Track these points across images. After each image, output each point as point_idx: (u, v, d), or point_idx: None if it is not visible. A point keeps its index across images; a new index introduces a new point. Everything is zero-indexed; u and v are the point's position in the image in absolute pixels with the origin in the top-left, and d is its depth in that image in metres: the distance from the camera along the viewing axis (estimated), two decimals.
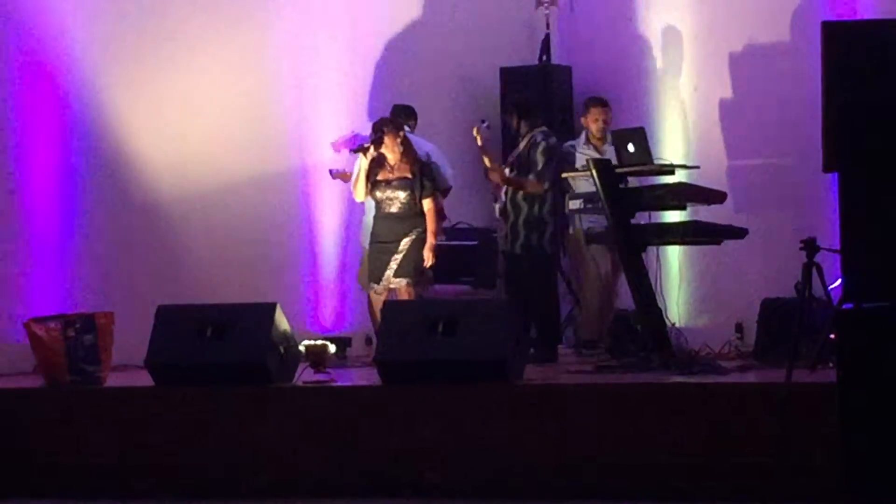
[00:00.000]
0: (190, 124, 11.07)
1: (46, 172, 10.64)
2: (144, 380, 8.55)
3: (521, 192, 10.12)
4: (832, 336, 7.62)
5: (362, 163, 9.98)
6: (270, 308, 8.50)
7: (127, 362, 9.47)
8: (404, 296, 9.68)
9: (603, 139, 10.45)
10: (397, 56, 11.68)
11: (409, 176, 9.78)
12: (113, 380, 8.88)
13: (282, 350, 8.45)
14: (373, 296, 9.91)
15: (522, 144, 10.19)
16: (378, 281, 9.77)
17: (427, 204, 9.81)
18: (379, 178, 9.84)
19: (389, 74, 11.62)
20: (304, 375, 8.61)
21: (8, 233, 10.45)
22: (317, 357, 8.79)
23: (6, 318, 10.07)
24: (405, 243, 9.75)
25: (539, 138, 10.13)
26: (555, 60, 11.80)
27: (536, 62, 11.80)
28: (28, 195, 10.58)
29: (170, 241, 11.00)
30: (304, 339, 8.88)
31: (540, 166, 10.04)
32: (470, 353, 8.00)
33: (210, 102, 11.11)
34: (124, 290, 10.43)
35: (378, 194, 9.85)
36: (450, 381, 7.97)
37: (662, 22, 11.36)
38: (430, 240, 9.80)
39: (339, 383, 8.62)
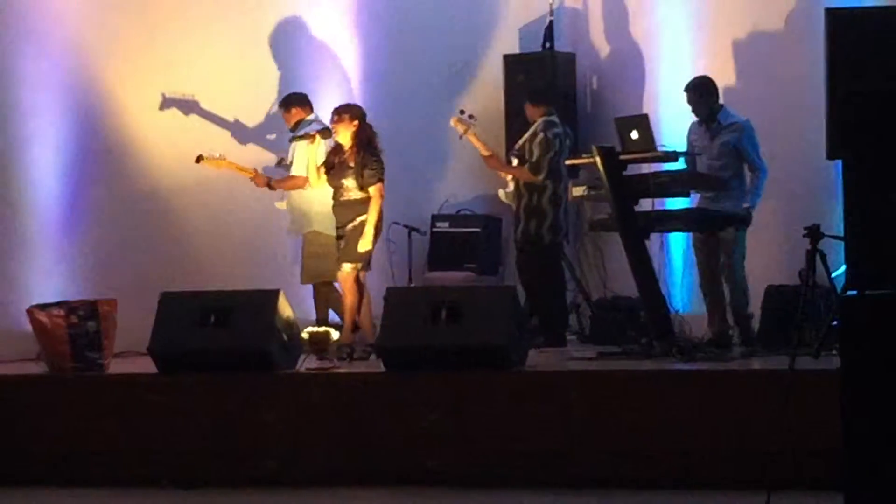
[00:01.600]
0: (193, 113, 11.08)
1: (49, 160, 10.63)
2: (147, 367, 8.56)
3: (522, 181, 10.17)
4: (836, 323, 7.62)
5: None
6: (274, 295, 8.50)
7: (130, 349, 9.47)
8: (349, 281, 9.61)
9: (701, 121, 9.70)
10: (398, 45, 11.64)
11: (351, 165, 9.72)
12: (116, 367, 8.89)
13: (285, 337, 8.45)
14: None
15: (529, 131, 10.21)
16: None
17: (371, 192, 9.71)
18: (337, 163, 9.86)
19: (390, 63, 11.59)
20: (307, 362, 8.61)
21: (11, 220, 10.44)
22: (320, 344, 8.79)
23: (9, 305, 10.07)
24: (349, 229, 9.71)
25: (540, 128, 10.12)
26: (558, 48, 11.75)
27: (540, 49, 11.74)
28: (31, 182, 10.57)
29: (174, 228, 11.00)
30: (307, 327, 8.88)
31: (535, 158, 10.07)
32: (472, 339, 8.00)
33: (213, 91, 11.10)
34: (127, 278, 10.42)
35: (331, 181, 9.85)
36: (452, 368, 7.97)
37: (666, 8, 11.32)
38: (366, 228, 9.64)
39: (341, 370, 8.62)
